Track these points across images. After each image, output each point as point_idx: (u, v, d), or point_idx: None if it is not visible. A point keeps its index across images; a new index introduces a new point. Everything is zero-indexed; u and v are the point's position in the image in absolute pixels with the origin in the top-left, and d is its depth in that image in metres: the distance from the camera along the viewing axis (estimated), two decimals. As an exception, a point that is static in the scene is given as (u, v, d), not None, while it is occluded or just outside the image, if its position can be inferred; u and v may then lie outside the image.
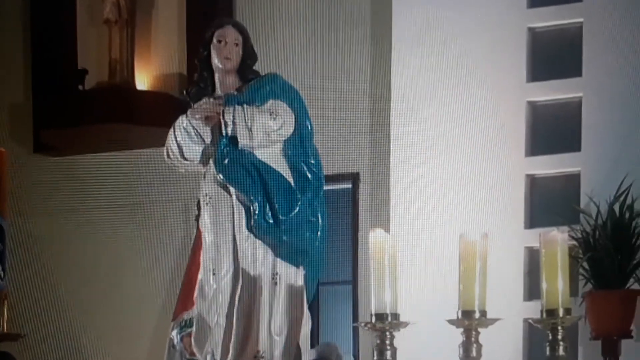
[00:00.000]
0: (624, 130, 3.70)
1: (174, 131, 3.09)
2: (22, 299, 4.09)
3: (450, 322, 2.64)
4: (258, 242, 2.97)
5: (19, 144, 4.74)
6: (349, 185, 4.30)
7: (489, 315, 2.64)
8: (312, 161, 3.05)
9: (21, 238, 4.09)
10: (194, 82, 3.15)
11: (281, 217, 2.96)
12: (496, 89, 3.86)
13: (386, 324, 2.63)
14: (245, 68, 3.10)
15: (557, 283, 2.62)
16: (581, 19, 3.82)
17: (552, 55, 3.88)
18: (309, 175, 3.03)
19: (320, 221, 3.02)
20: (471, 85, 3.89)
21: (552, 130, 3.85)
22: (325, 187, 3.08)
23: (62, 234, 4.75)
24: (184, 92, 3.20)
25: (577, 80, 3.80)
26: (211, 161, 3.05)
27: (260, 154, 3.02)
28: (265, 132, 3.00)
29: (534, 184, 3.83)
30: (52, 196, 4.78)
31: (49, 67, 4.70)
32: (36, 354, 4.24)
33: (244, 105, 3.02)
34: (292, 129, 3.04)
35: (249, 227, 2.97)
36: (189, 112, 3.09)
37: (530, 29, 3.89)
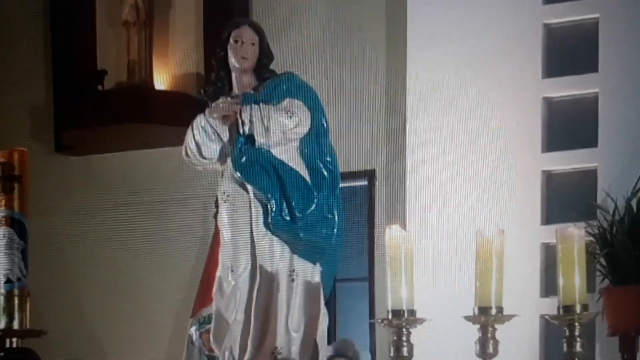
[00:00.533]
0: (641, 125, 3.68)
1: (192, 130, 3.12)
2: (44, 296, 4.14)
3: (467, 318, 2.65)
4: (275, 239, 2.99)
5: (40, 144, 4.80)
6: (365, 183, 4.30)
7: (505, 312, 2.64)
8: (328, 159, 3.07)
9: (43, 236, 4.12)
10: (212, 82, 3.18)
11: (298, 215, 2.98)
12: (511, 86, 3.85)
13: (403, 321, 2.64)
14: (262, 67, 3.12)
15: (574, 279, 2.62)
16: (597, 15, 3.80)
17: (568, 51, 3.86)
18: (325, 173, 3.05)
19: (336, 218, 3.04)
20: (486, 82, 3.88)
21: (568, 126, 3.84)
22: (341, 185, 3.09)
23: (82, 232, 4.80)
24: (202, 91, 3.23)
25: (593, 75, 3.79)
26: (229, 159, 3.08)
27: (277, 152, 3.04)
28: (281, 131, 3.03)
29: (550, 180, 3.82)
30: (73, 195, 4.83)
31: (69, 69, 4.74)
32: (58, 350, 4.28)
33: (261, 104, 3.04)
34: (308, 127, 3.06)
35: (266, 224, 2.99)
36: (206, 111, 3.12)
37: (546, 25, 3.88)
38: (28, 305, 2.86)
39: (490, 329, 2.64)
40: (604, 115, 3.74)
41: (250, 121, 3.02)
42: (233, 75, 3.14)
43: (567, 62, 3.85)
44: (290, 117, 3.03)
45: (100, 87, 4.70)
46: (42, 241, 3.98)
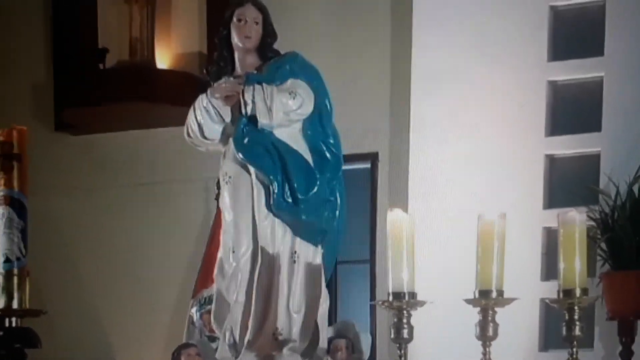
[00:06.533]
0: (645, 111, 3.67)
1: (194, 110, 3.09)
2: (43, 276, 4.14)
3: (467, 301, 2.64)
4: (277, 221, 2.97)
5: (40, 122, 4.78)
6: (368, 165, 4.29)
7: (506, 295, 2.64)
8: (331, 141, 3.04)
9: (42, 216, 4.11)
10: (214, 61, 3.14)
11: (300, 197, 2.96)
12: (517, 68, 3.83)
13: (403, 303, 2.63)
14: (265, 47, 3.08)
15: (574, 263, 2.61)
16: (604, -2, 3.78)
17: (574, 34, 3.83)
18: (328, 155, 3.02)
19: (338, 201, 3.02)
20: (492, 64, 3.86)
21: (573, 110, 3.82)
22: (344, 167, 3.07)
23: (82, 212, 4.79)
24: (204, 71, 3.21)
25: (599, 59, 3.76)
26: (231, 140, 3.05)
27: (280, 134, 3.02)
28: (284, 112, 3.00)
29: (553, 164, 3.81)
30: (73, 174, 4.81)
31: (70, 46, 4.71)
32: (57, 330, 4.29)
33: (264, 85, 3.00)
34: (311, 108, 3.03)
35: (268, 206, 2.96)
36: (209, 91, 3.09)
37: (552, 7, 3.85)
38: (27, 284, 2.85)
39: (490, 312, 2.63)
40: (609, 99, 3.72)
41: (253, 102, 2.99)
42: (236, 54, 3.10)
43: (572, 45, 3.83)
44: (294, 97, 3.00)
45: (101, 66, 4.67)
46: (42, 220, 3.97)
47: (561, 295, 2.62)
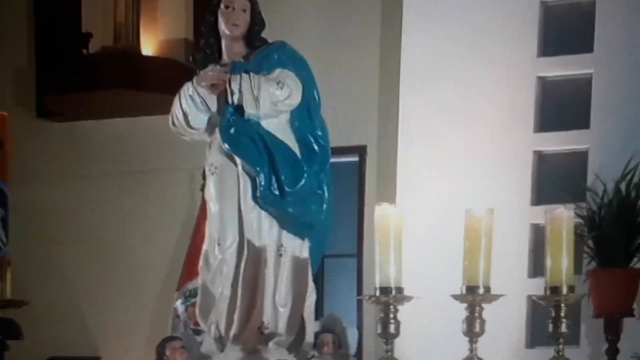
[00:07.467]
0: (634, 108, 3.67)
1: (180, 98, 3.05)
2: (25, 266, 4.08)
3: (455, 297, 2.64)
4: (263, 213, 2.94)
5: (22, 108, 4.71)
6: (356, 158, 4.27)
7: (492, 291, 2.63)
8: (319, 133, 3.01)
9: (24, 204, 4.06)
10: (201, 49, 3.10)
11: (287, 189, 2.93)
12: (506, 64, 3.82)
13: (390, 298, 2.62)
14: (253, 35, 3.04)
15: (561, 260, 2.61)
16: (594, -6, 3.77)
17: (564, 30, 3.83)
18: (316, 147, 3.00)
19: (326, 194, 2.99)
20: (481, 59, 3.85)
21: (562, 106, 3.82)
22: (332, 160, 3.04)
23: (65, 200, 4.73)
24: (190, 58, 3.16)
25: (588, 56, 3.77)
26: (217, 130, 3.01)
27: (267, 124, 2.98)
28: (272, 102, 2.96)
29: (541, 160, 3.82)
30: (56, 162, 4.75)
31: (52, 31, 4.64)
32: (40, 321, 4.24)
33: (251, 74, 2.97)
34: (299, 99, 2.99)
35: (255, 198, 2.93)
36: (194, 79, 3.05)
37: (543, 3, 3.84)
38: (9, 275, 2.80)
39: (477, 308, 2.63)
40: (597, 96, 3.73)
41: (240, 91, 2.96)
42: (223, 42, 3.06)
43: (562, 42, 3.82)
44: (281, 88, 2.96)
45: (85, 51, 4.60)
46: (23, 208, 3.92)
47: (548, 292, 2.61)
